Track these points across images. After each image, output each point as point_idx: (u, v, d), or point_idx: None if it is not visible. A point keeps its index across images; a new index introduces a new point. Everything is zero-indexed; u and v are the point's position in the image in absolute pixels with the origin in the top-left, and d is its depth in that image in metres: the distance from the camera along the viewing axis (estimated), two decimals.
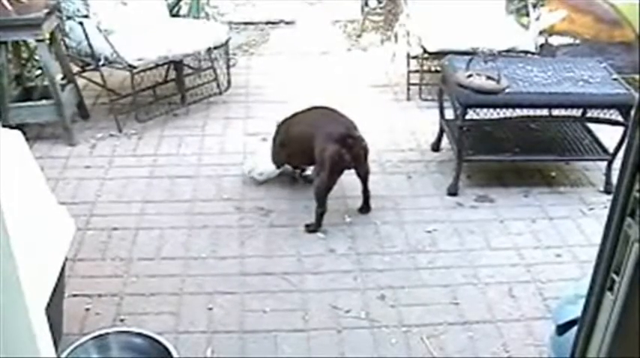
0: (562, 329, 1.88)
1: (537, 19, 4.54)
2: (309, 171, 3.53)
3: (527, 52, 4.32)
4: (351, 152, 3.15)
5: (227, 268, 2.99)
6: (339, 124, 3.23)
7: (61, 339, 2.40)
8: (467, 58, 3.56)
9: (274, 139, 3.55)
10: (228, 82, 4.70)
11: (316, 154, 3.20)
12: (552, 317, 2.11)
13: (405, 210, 3.43)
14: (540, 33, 4.61)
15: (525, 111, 3.59)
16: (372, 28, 5.87)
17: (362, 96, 4.64)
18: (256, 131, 4.17)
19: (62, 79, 4.16)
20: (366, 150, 3.23)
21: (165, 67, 4.53)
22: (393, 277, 2.94)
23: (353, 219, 3.35)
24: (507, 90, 3.42)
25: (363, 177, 3.33)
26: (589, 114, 3.61)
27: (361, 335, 2.61)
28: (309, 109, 3.47)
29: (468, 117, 3.46)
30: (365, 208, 3.40)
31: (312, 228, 3.24)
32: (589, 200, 3.52)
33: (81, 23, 3.95)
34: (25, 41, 4.21)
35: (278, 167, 3.58)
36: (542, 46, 4.60)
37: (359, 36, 5.78)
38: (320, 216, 3.23)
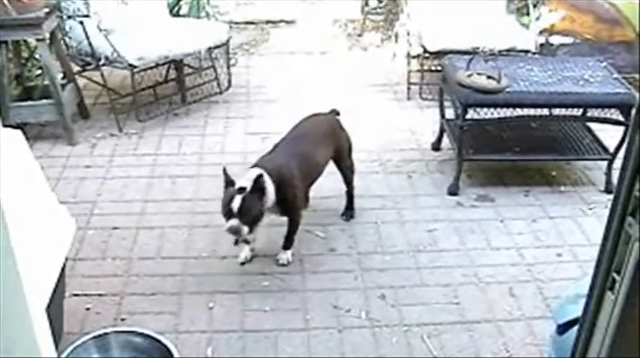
0: (562, 328, 1.88)
1: (538, 18, 4.55)
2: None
3: (527, 52, 4.31)
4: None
5: (227, 267, 2.99)
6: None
7: (61, 339, 2.40)
8: (467, 57, 3.56)
9: (292, 186, 2.88)
10: (229, 81, 4.69)
11: (339, 146, 3.14)
12: (553, 317, 2.11)
13: (405, 210, 3.43)
14: (541, 32, 4.62)
15: (526, 111, 3.58)
16: (372, 27, 5.87)
17: (362, 96, 4.64)
18: (257, 130, 4.17)
19: (62, 78, 4.16)
20: (349, 143, 3.19)
21: (166, 66, 4.53)
22: (394, 276, 2.94)
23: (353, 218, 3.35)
24: (508, 90, 3.42)
25: (344, 172, 3.21)
26: (589, 114, 3.61)
27: (362, 335, 2.61)
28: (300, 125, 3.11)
29: (468, 116, 3.46)
30: (347, 213, 3.29)
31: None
32: (590, 199, 3.52)
33: (81, 22, 3.95)
34: (25, 41, 4.21)
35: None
36: (542, 45, 4.59)
37: (359, 35, 5.79)
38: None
